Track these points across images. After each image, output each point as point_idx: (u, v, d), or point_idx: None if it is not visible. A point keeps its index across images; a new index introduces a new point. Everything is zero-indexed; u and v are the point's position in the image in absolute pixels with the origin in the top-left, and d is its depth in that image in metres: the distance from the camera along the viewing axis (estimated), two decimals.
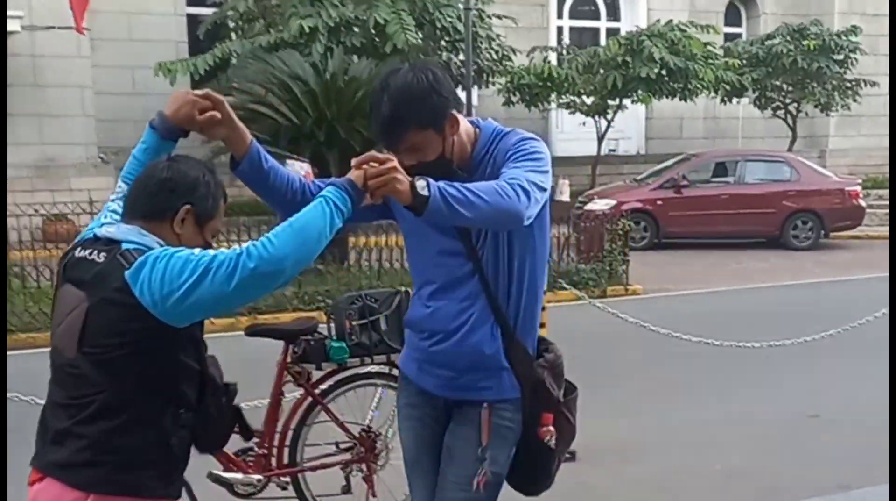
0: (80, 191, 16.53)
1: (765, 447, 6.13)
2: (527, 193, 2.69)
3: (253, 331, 4.83)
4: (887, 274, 12.96)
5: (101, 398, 2.43)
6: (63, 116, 17.02)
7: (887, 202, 21.27)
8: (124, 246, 2.43)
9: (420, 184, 2.56)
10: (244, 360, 6.29)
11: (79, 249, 2.53)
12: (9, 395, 5.27)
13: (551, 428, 3.02)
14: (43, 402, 4.34)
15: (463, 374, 3.01)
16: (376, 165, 2.58)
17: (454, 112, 2.87)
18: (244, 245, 2.36)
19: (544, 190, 2.80)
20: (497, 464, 3.01)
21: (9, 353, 8.25)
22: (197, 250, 2.40)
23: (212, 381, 2.67)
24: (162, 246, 2.45)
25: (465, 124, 2.93)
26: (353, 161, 2.64)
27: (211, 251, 2.38)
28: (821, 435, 6.39)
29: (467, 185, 2.63)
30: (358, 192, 2.55)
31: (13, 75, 16.39)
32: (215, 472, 4.58)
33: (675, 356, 8.19)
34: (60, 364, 2.51)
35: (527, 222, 2.74)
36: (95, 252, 2.46)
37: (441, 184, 2.60)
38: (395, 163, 2.60)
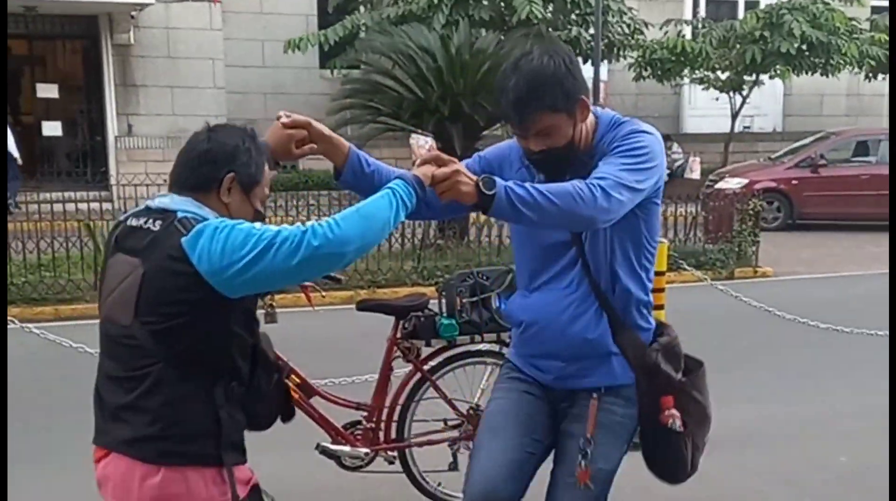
0: None
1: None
2: (607, 195, 2.60)
3: (364, 306, 4.81)
4: None
5: (157, 369, 2.43)
6: (194, 88, 17.47)
7: None
8: (180, 214, 2.43)
9: (486, 184, 2.55)
10: (356, 334, 6.35)
11: (131, 218, 2.54)
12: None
13: (674, 412, 2.89)
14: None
15: (571, 362, 2.93)
16: (436, 167, 2.61)
17: (584, 98, 2.78)
18: (308, 223, 2.36)
19: (637, 191, 2.69)
20: (606, 460, 2.90)
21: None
22: (258, 225, 2.39)
23: (263, 356, 2.67)
24: (218, 217, 2.47)
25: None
26: (419, 160, 2.65)
27: (273, 227, 2.38)
28: None
29: (541, 186, 2.59)
30: (423, 190, 2.57)
31: (147, 48, 16.89)
32: (324, 444, 4.62)
33: (801, 342, 7.86)
34: (114, 335, 2.50)
35: (604, 226, 2.70)
36: (150, 221, 2.46)
37: (510, 184, 2.56)
38: (459, 165, 2.62)
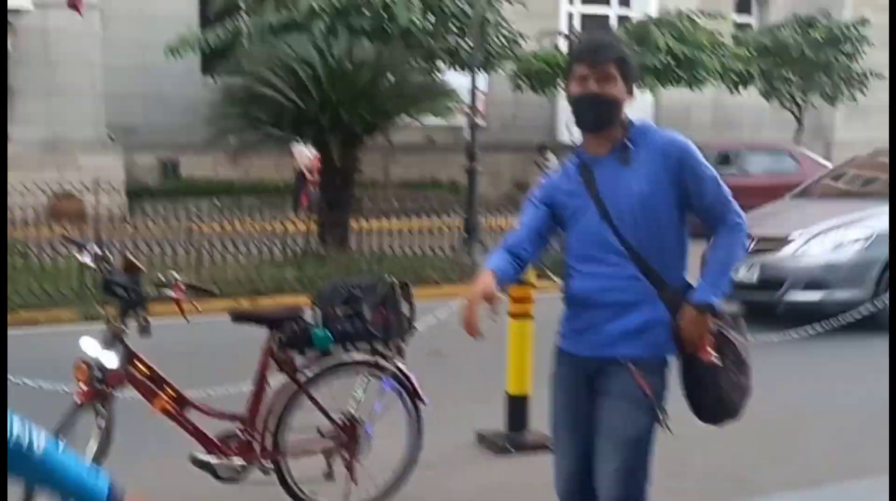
0: (88, 169, 16.49)
1: None
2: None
3: (237, 316, 4.87)
4: None
5: None
6: (72, 94, 17.03)
7: None
8: None
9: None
10: (233, 344, 6.37)
11: None
12: (15, 379, 5.34)
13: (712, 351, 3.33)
14: (48, 386, 4.32)
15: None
16: None
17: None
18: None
19: None
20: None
21: (11, 332, 8.36)
22: None
23: None
24: None
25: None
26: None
27: None
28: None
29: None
30: None
31: (24, 53, 16.42)
32: (196, 454, 4.62)
33: None
34: None
35: None
36: None
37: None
38: None
